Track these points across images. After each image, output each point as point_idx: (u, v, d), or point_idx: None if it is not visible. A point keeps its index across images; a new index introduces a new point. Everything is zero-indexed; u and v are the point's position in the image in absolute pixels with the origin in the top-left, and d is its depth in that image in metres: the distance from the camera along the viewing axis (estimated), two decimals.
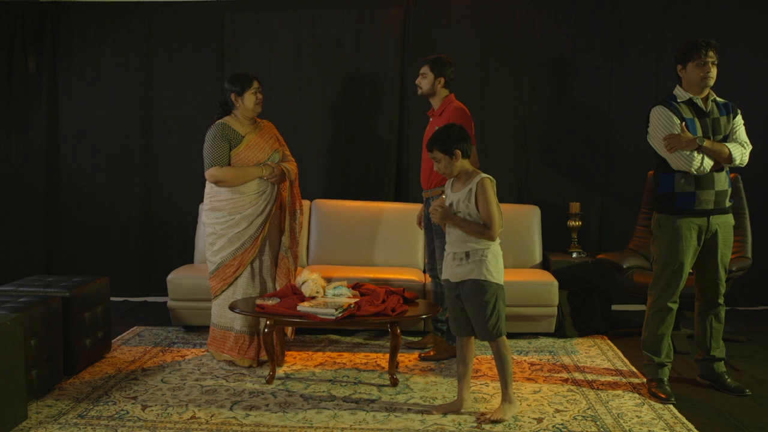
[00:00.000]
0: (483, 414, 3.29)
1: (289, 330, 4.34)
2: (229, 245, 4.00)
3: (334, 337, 4.70)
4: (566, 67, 5.56)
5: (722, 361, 3.71)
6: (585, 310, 4.82)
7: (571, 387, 3.74)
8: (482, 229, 3.19)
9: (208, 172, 3.98)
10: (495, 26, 5.55)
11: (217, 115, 4.10)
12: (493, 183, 3.26)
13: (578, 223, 5.14)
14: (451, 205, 3.30)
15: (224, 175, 3.94)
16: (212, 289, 4.08)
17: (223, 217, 4.00)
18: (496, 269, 3.24)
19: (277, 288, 4.10)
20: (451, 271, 3.31)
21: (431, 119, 4.28)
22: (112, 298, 4.40)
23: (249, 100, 4.01)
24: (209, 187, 4.08)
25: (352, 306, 3.67)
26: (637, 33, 5.50)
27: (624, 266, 4.66)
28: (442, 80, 4.18)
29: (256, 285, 4.07)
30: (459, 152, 3.25)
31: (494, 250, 3.25)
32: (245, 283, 4.03)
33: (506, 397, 3.29)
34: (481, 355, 4.18)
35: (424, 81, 4.22)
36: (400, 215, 5.21)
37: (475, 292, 3.23)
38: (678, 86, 3.60)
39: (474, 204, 3.21)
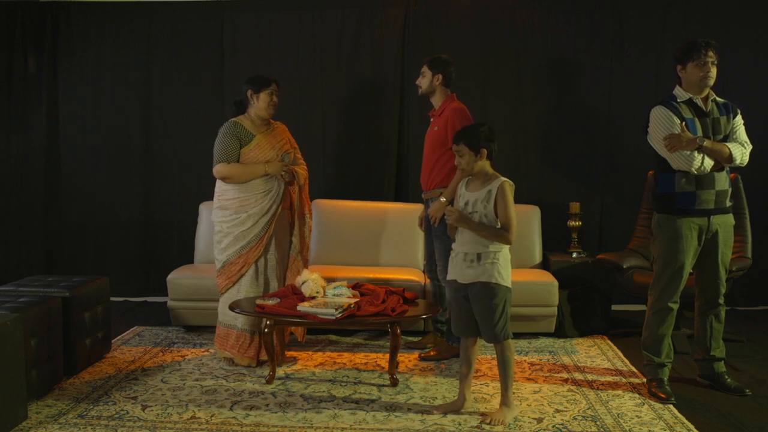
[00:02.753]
0: (484, 414, 3.29)
1: (299, 332, 4.35)
2: (234, 243, 4.02)
3: (334, 337, 4.70)
4: (566, 67, 5.56)
5: (722, 361, 3.71)
6: (585, 310, 4.82)
7: (571, 387, 3.74)
8: (500, 232, 3.19)
9: (216, 168, 4.03)
10: (495, 26, 5.55)
11: (231, 113, 4.15)
12: (512, 187, 3.26)
13: (578, 223, 5.14)
14: (466, 204, 3.29)
15: (230, 171, 3.99)
16: (219, 287, 4.12)
17: (230, 215, 4.04)
18: (506, 272, 3.25)
19: None
20: (460, 272, 3.29)
21: (432, 119, 4.28)
22: (112, 298, 4.39)
23: (263, 100, 4.05)
24: (218, 186, 4.14)
25: (352, 306, 3.67)
26: (637, 33, 5.49)
27: (624, 266, 4.66)
28: (440, 77, 4.18)
29: (260, 284, 4.08)
30: (485, 151, 3.25)
31: (505, 253, 3.26)
32: (249, 281, 4.05)
33: (505, 401, 3.28)
34: (481, 356, 4.16)
35: (423, 80, 4.22)
36: (400, 215, 5.21)
37: (485, 294, 3.22)
38: (678, 86, 3.59)
39: (492, 206, 3.21)
